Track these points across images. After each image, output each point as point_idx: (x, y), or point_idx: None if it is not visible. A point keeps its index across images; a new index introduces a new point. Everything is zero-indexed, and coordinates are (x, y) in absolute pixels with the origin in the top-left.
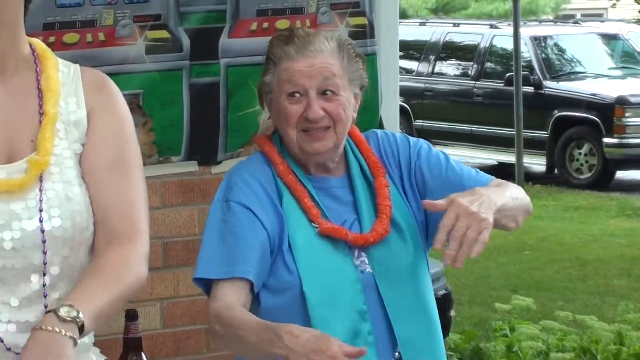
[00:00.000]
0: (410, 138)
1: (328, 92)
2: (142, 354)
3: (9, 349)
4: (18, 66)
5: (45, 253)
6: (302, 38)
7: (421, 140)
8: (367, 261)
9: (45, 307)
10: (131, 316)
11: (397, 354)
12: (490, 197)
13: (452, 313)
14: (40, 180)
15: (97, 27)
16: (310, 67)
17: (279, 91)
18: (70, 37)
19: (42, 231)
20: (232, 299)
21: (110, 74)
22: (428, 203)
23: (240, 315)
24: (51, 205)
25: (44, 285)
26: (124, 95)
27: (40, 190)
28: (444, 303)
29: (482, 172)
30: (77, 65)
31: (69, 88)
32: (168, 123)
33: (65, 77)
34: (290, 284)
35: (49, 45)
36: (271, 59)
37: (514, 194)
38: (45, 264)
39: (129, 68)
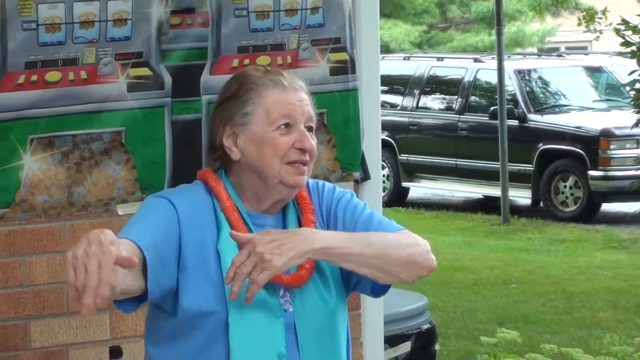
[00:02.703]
0: (337, 188)
1: (309, 128)
2: None
3: None
4: None
5: None
6: (283, 73)
7: (348, 191)
8: (290, 300)
9: None
10: (115, 353)
11: None
12: (300, 240)
13: (437, 347)
14: None
15: (79, 65)
16: (300, 101)
17: (265, 121)
18: (52, 75)
19: None
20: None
21: (92, 112)
22: (233, 234)
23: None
24: None
25: None
26: (108, 133)
27: None
28: (427, 337)
29: (394, 223)
30: None
31: None
32: (150, 160)
33: None
34: (217, 313)
35: (32, 83)
36: (253, 90)
37: (386, 242)
38: None
39: (111, 106)
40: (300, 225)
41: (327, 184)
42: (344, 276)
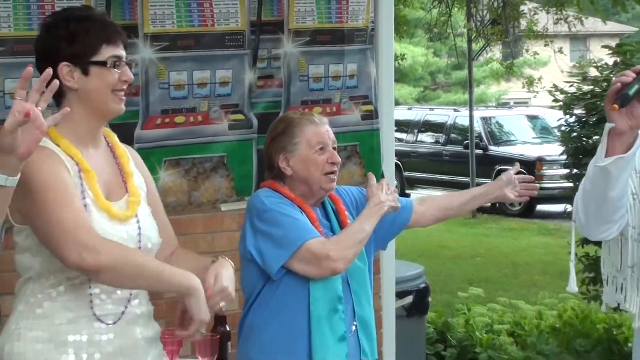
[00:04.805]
0: (346, 186)
1: (334, 148)
2: (226, 325)
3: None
4: (101, 140)
5: None
6: (313, 114)
7: (360, 188)
8: None
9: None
10: (221, 320)
11: (354, 325)
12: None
13: (429, 299)
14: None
15: (197, 112)
16: (327, 131)
17: (308, 147)
18: (179, 118)
19: (139, 248)
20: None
21: (205, 143)
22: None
23: (345, 229)
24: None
25: None
26: (215, 157)
27: (137, 221)
28: (424, 292)
29: None
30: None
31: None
32: (243, 175)
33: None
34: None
35: (165, 124)
36: (297, 128)
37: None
38: None
39: (218, 139)
40: (336, 213)
41: (342, 187)
42: (377, 243)
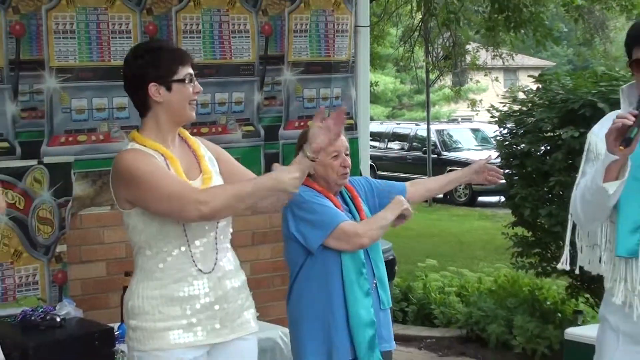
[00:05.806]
0: (356, 177)
1: (346, 154)
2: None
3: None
4: (176, 138)
5: None
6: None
7: (367, 177)
8: None
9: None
10: None
11: (374, 283)
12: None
13: (396, 267)
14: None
15: (217, 124)
16: (341, 141)
17: (325, 154)
18: (204, 129)
19: None
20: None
21: (224, 149)
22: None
23: (373, 216)
24: None
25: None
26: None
27: None
28: (392, 263)
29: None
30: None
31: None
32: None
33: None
34: (334, 250)
35: (194, 134)
36: None
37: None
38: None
39: (234, 145)
40: (352, 199)
41: (353, 177)
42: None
